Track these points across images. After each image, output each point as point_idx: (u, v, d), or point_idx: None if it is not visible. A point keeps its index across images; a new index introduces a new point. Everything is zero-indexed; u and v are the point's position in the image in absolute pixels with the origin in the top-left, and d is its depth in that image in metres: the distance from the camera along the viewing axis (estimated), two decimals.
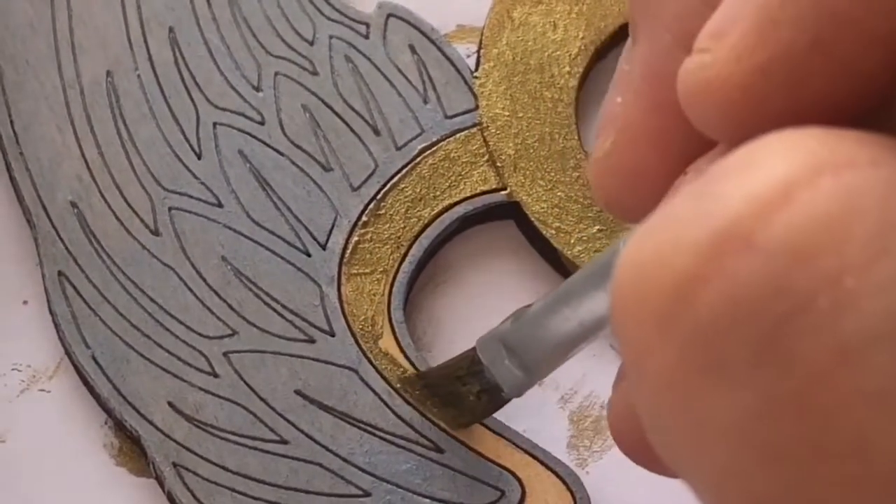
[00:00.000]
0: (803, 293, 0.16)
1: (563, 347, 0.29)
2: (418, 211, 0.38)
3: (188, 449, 0.36)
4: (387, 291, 0.38)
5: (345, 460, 0.36)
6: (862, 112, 0.18)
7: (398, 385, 0.36)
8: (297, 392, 0.36)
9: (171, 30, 0.40)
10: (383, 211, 0.38)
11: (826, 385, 0.16)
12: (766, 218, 0.17)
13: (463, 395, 0.34)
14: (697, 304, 0.17)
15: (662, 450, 0.19)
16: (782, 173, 0.17)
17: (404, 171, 0.39)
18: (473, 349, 0.33)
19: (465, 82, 0.40)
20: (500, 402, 0.33)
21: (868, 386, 0.16)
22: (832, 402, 0.16)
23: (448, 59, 0.40)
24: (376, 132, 0.39)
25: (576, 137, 0.39)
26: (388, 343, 0.37)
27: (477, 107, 0.39)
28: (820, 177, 0.17)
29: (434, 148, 0.39)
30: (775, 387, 0.17)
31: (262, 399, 0.36)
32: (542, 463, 0.36)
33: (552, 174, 0.39)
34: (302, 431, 0.36)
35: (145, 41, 0.40)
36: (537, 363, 0.31)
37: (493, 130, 0.39)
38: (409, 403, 0.36)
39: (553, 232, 0.38)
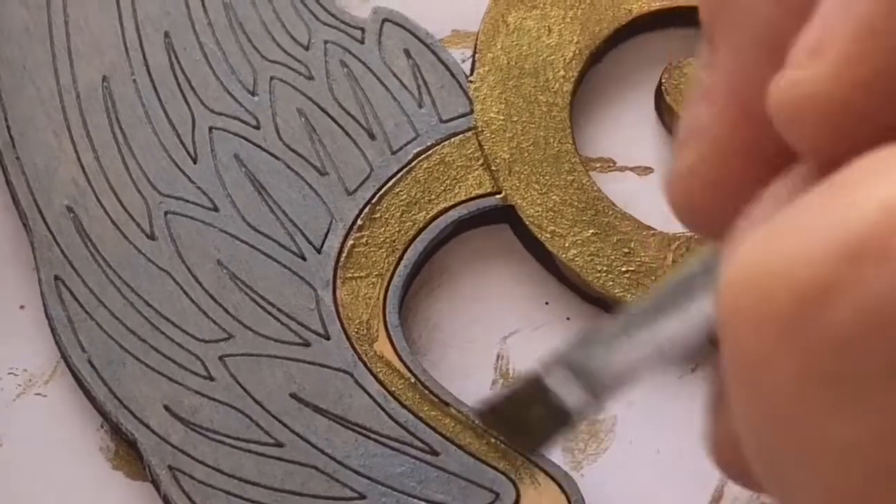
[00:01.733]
0: None
1: (637, 371, 0.29)
2: (413, 215, 0.38)
3: (184, 452, 0.36)
4: (382, 295, 0.38)
5: (340, 463, 0.36)
6: None
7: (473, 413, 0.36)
8: (293, 395, 0.36)
9: (166, 35, 0.40)
10: (378, 215, 0.38)
11: None
12: None
13: (529, 420, 0.34)
14: (829, 313, 0.16)
15: (767, 473, 0.18)
16: None
17: (399, 174, 0.39)
18: (536, 372, 0.32)
19: (460, 86, 0.40)
20: (568, 424, 0.33)
21: None
22: None
23: (443, 63, 0.40)
24: (371, 136, 0.39)
25: (570, 141, 0.39)
26: (383, 346, 0.37)
27: (472, 111, 0.40)
28: None
29: (429, 152, 0.39)
30: None
31: (257, 402, 0.36)
32: (536, 465, 0.36)
33: (547, 178, 0.39)
34: (297, 434, 0.36)
35: (141, 46, 0.40)
36: (608, 387, 0.30)
37: (488, 134, 0.39)
38: (404, 406, 0.36)
39: (548, 236, 0.38)
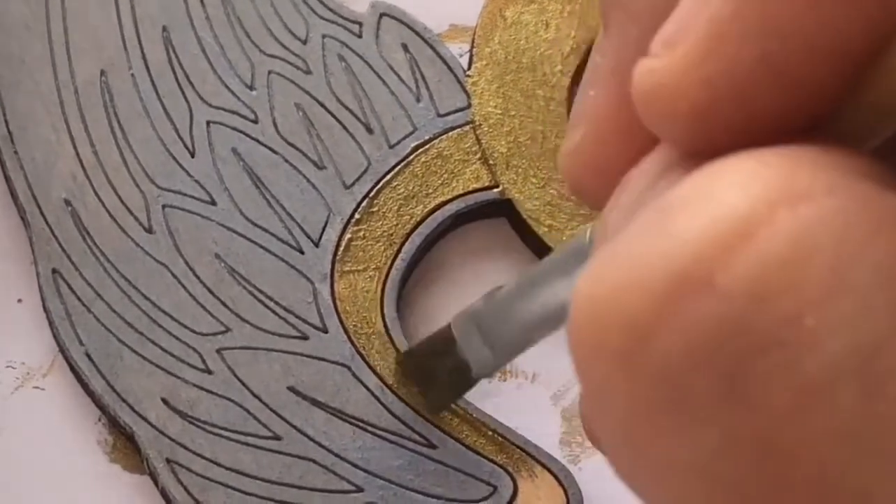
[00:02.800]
0: (764, 334, 0.16)
1: (528, 331, 0.29)
2: (411, 208, 0.39)
3: (182, 445, 0.36)
4: (379, 288, 0.38)
5: (337, 456, 0.36)
6: (811, 122, 0.18)
7: (395, 367, 0.36)
8: (290, 388, 0.36)
9: (164, 29, 0.40)
10: (376, 208, 0.38)
11: (789, 424, 0.16)
12: (724, 259, 0.16)
13: (437, 373, 0.34)
14: (657, 345, 0.17)
15: (627, 483, 0.18)
16: (740, 209, 0.17)
17: (397, 168, 0.39)
18: (448, 325, 0.33)
19: (458, 81, 0.40)
20: (469, 382, 0.33)
21: (831, 425, 0.16)
22: (795, 442, 0.16)
23: (441, 57, 0.40)
24: (369, 130, 0.39)
25: None
26: (380, 340, 0.37)
27: (469, 105, 0.40)
28: (777, 212, 0.16)
29: (427, 146, 0.39)
30: (738, 426, 0.16)
31: (255, 395, 0.36)
32: (534, 459, 0.36)
33: (544, 172, 0.39)
34: (295, 427, 0.36)
35: (139, 41, 0.40)
36: (503, 344, 0.31)
37: (486, 128, 0.39)
38: (402, 400, 0.36)
39: (545, 229, 0.38)
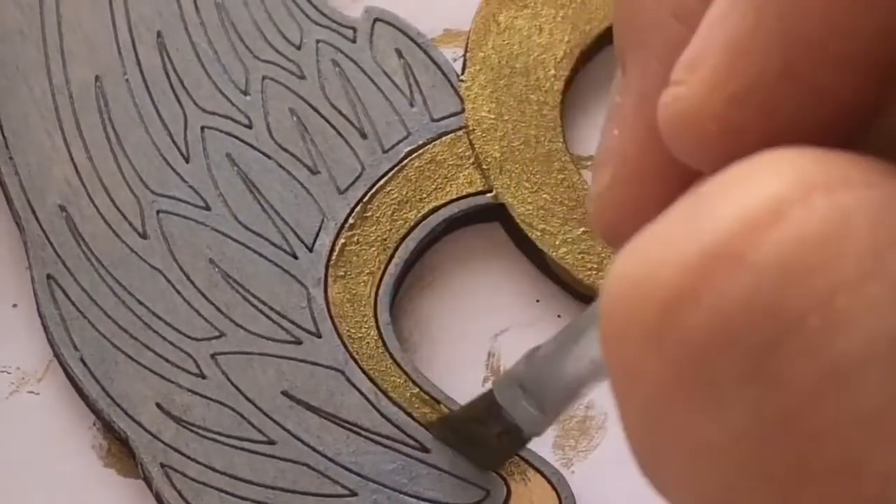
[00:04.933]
0: (794, 312, 0.16)
1: (577, 386, 0.29)
2: (405, 213, 0.39)
3: (176, 450, 0.36)
4: (373, 293, 0.38)
5: (331, 460, 0.36)
6: (841, 137, 0.18)
7: (428, 427, 0.36)
8: (284, 393, 0.36)
9: (159, 34, 0.40)
10: (370, 213, 0.39)
11: (816, 406, 0.16)
12: (757, 236, 0.17)
13: (485, 437, 0.34)
14: (686, 322, 0.17)
15: (649, 473, 0.18)
16: (774, 191, 0.17)
17: (391, 173, 0.39)
18: (491, 391, 0.33)
19: (452, 86, 0.40)
20: (521, 442, 0.33)
21: (858, 407, 0.16)
22: (822, 424, 0.16)
23: (434, 62, 0.40)
24: (363, 135, 0.39)
25: (561, 140, 0.39)
26: (374, 345, 0.37)
27: (463, 110, 0.40)
28: (812, 195, 0.17)
29: (420, 151, 0.39)
30: (765, 407, 0.16)
31: (249, 400, 0.36)
32: (527, 462, 0.36)
33: (538, 177, 0.39)
34: (289, 432, 0.36)
35: (134, 46, 0.40)
36: (553, 403, 0.31)
37: (479, 133, 0.39)
38: (395, 404, 0.36)
39: (538, 234, 0.39)
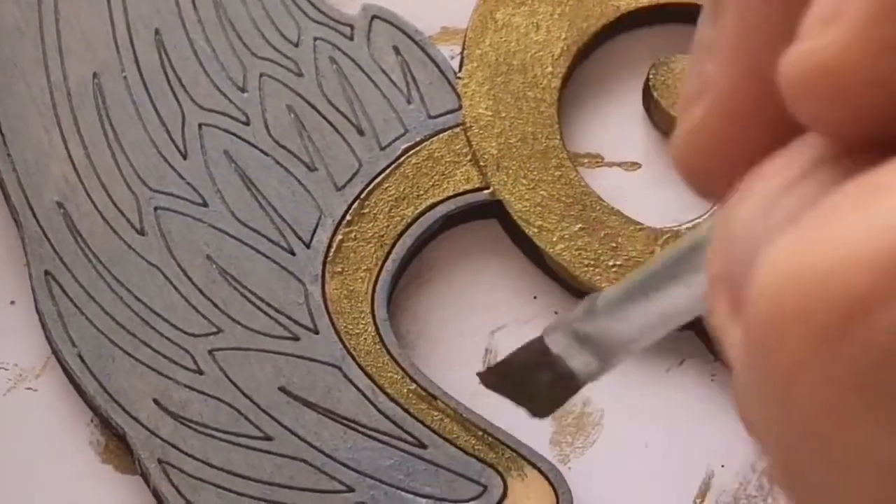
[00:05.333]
0: None
1: (642, 338, 0.28)
2: (402, 210, 0.39)
3: (173, 446, 0.36)
4: (370, 289, 0.38)
5: (328, 456, 0.36)
6: None
7: (479, 375, 0.36)
8: (282, 389, 0.36)
9: (157, 32, 0.40)
10: (367, 210, 0.39)
11: None
12: None
13: (536, 384, 0.34)
14: (875, 326, 0.16)
15: (792, 484, 0.17)
16: None
17: (388, 170, 0.39)
18: (541, 338, 0.32)
19: (449, 83, 0.40)
20: (575, 388, 0.33)
21: None
22: None
23: (432, 60, 0.40)
24: (360, 132, 0.39)
25: (558, 137, 0.39)
26: (371, 341, 0.37)
27: (460, 107, 0.40)
28: None
29: (418, 147, 0.39)
30: None
31: (246, 396, 0.36)
32: (524, 459, 0.36)
33: (535, 173, 0.39)
34: (286, 428, 0.36)
35: (132, 43, 0.40)
36: (614, 352, 0.30)
37: (477, 130, 0.39)
38: (392, 400, 0.36)
39: (535, 230, 0.39)
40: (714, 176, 0.21)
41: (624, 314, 0.28)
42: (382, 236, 0.38)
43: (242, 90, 0.40)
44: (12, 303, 0.39)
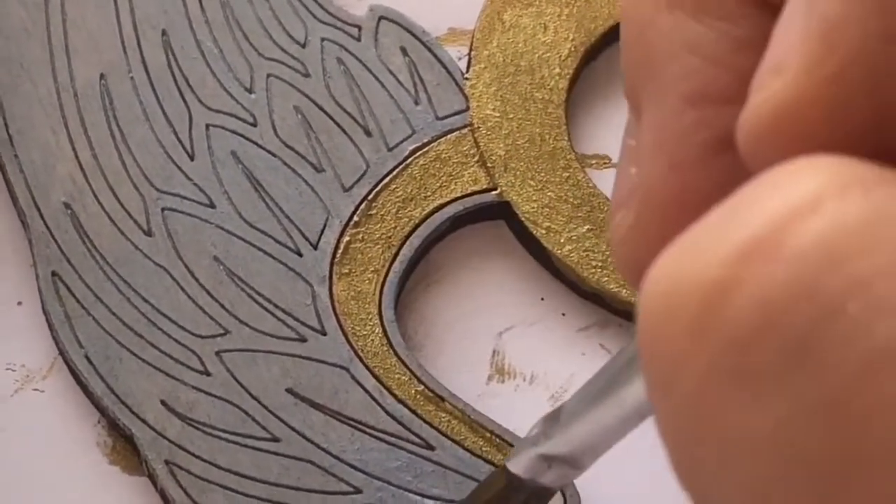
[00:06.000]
0: (834, 298, 0.16)
1: (608, 440, 0.29)
2: (409, 211, 0.39)
3: (181, 447, 0.36)
4: (378, 291, 0.38)
5: (336, 458, 0.36)
6: None
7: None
8: (289, 390, 0.36)
9: (164, 32, 0.40)
10: (374, 211, 0.39)
11: (859, 391, 0.16)
12: (795, 224, 0.17)
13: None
14: (728, 311, 0.17)
15: (686, 475, 0.18)
16: (813, 187, 0.17)
17: (395, 171, 0.39)
18: (504, 470, 0.32)
19: (456, 84, 0.40)
20: (552, 495, 0.33)
21: None
22: (866, 409, 0.16)
23: (439, 60, 0.40)
24: (368, 133, 0.39)
25: (566, 138, 0.39)
26: (378, 342, 0.37)
27: (468, 108, 0.40)
28: (849, 190, 0.17)
29: (425, 149, 0.39)
30: (808, 394, 0.16)
31: (253, 397, 0.36)
32: None
33: (542, 174, 0.39)
34: (293, 429, 0.36)
35: (138, 44, 0.40)
36: (585, 458, 0.30)
37: (484, 131, 0.39)
38: (399, 402, 0.36)
39: (543, 231, 0.39)
40: None
41: (585, 424, 0.28)
42: (390, 237, 0.38)
43: (250, 91, 0.40)
44: (19, 303, 0.39)
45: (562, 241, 0.38)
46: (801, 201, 0.17)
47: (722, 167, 0.20)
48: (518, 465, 0.31)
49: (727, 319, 0.17)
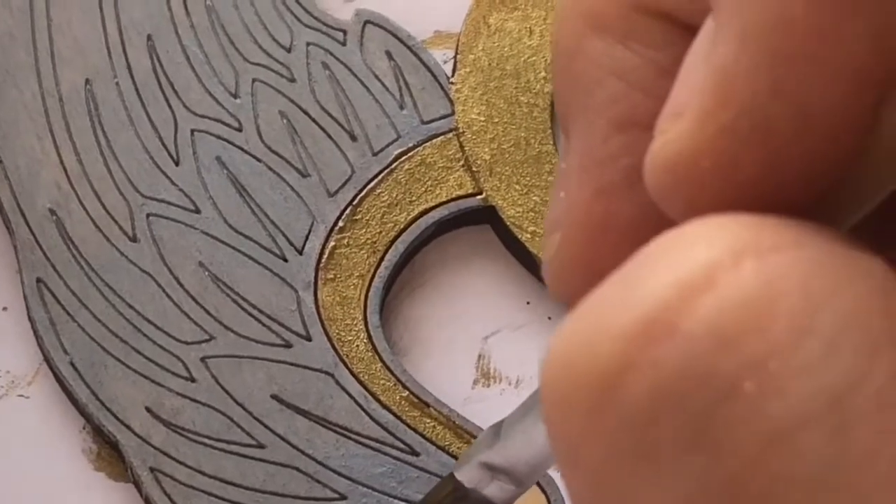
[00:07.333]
0: (729, 379, 0.16)
1: (546, 455, 0.29)
2: (394, 216, 0.39)
3: (165, 453, 0.36)
4: (363, 296, 0.38)
5: (321, 464, 0.36)
6: (837, 161, 0.18)
7: None
8: (274, 396, 0.36)
9: (149, 38, 0.40)
10: (360, 216, 0.39)
11: (757, 471, 0.16)
12: (688, 303, 0.16)
13: None
14: (624, 394, 0.17)
15: None
16: (705, 257, 0.17)
17: (381, 176, 0.39)
18: (451, 476, 0.32)
19: (442, 88, 0.40)
20: None
21: (799, 470, 0.16)
22: (764, 489, 0.16)
23: (424, 65, 0.40)
24: (353, 138, 0.39)
25: (551, 142, 0.39)
26: (364, 347, 0.37)
27: (453, 112, 0.40)
28: (742, 260, 0.16)
29: (410, 153, 0.39)
30: (707, 475, 0.16)
31: (238, 403, 0.36)
32: None
33: (528, 179, 0.39)
34: (278, 435, 0.36)
35: (124, 49, 0.40)
36: (528, 474, 0.30)
37: (469, 135, 0.39)
38: (384, 407, 0.36)
39: (528, 236, 0.39)
40: (582, 293, 0.21)
41: (526, 438, 0.28)
42: (375, 242, 0.38)
43: (235, 96, 0.40)
44: (4, 309, 0.39)
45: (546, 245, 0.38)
46: (693, 276, 0.17)
47: (646, 193, 0.20)
48: (464, 474, 0.31)
49: (623, 402, 0.17)
